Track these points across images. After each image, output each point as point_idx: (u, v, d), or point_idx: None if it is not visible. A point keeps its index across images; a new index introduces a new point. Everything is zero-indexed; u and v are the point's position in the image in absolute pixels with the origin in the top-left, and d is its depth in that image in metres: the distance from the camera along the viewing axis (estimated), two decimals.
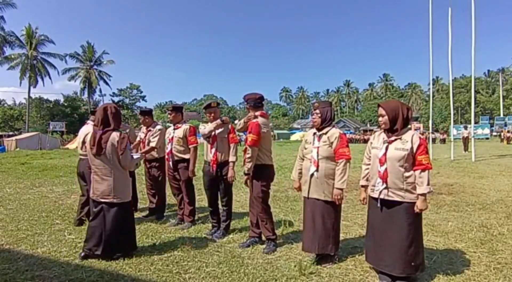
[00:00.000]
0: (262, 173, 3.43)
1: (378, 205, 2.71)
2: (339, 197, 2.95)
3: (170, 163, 4.33)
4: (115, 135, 3.09)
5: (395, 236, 2.64)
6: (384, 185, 2.64)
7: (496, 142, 32.06)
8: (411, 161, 2.60)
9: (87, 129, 4.05)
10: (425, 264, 2.79)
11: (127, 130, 4.74)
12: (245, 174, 3.43)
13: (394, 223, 2.65)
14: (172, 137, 4.34)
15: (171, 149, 4.32)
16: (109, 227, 3.12)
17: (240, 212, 4.86)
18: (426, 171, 2.56)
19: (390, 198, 2.65)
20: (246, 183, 3.57)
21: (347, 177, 2.95)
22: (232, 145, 3.82)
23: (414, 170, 2.59)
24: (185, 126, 4.35)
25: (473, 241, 3.64)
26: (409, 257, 2.60)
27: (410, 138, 2.61)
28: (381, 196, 2.67)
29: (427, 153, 2.61)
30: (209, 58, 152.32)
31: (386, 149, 2.66)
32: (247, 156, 3.35)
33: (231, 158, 3.78)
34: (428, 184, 2.55)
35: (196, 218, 4.49)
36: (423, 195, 2.56)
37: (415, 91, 74.29)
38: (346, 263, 3.05)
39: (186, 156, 4.30)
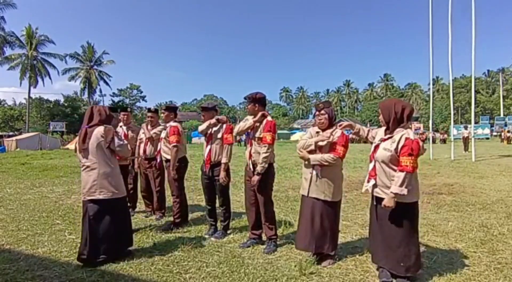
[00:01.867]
0: (270, 172, 3.44)
1: (374, 202, 2.77)
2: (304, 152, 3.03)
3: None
4: (99, 129, 3.09)
5: (385, 233, 2.69)
6: (373, 181, 2.70)
7: (496, 142, 32.04)
8: (397, 161, 2.57)
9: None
10: (425, 264, 2.82)
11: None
12: (258, 174, 3.33)
13: (384, 220, 2.69)
14: (161, 138, 4.43)
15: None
16: (95, 228, 3.03)
17: (240, 212, 4.86)
18: (404, 172, 2.49)
19: (379, 195, 2.69)
20: (256, 183, 3.35)
21: (320, 159, 2.96)
22: (225, 146, 3.75)
23: (398, 170, 2.55)
24: (169, 126, 4.35)
25: (473, 241, 3.64)
26: (397, 256, 2.63)
27: (398, 138, 2.59)
28: (373, 193, 2.75)
29: (410, 155, 2.49)
30: (209, 58, 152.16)
31: (376, 146, 2.71)
32: (265, 155, 3.29)
33: (223, 159, 3.72)
34: (401, 186, 2.48)
35: (190, 217, 4.61)
36: (393, 193, 2.53)
37: (415, 91, 74.19)
38: (347, 263, 3.05)
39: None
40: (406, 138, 2.55)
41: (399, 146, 2.55)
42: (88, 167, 3.07)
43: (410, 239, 2.65)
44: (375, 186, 2.71)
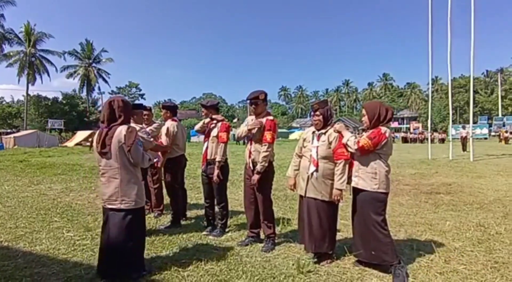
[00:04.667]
0: (270, 171, 3.45)
1: (351, 193, 3.02)
2: (338, 197, 2.97)
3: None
4: (121, 129, 2.66)
5: (360, 222, 2.95)
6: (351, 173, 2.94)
7: (494, 142, 32.15)
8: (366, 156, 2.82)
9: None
10: (422, 263, 2.82)
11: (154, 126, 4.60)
12: (258, 173, 3.32)
13: (356, 209, 2.97)
14: (159, 136, 4.44)
15: None
16: (113, 240, 2.67)
17: (239, 210, 4.87)
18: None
19: (355, 186, 2.93)
20: (256, 183, 3.35)
21: (346, 177, 2.96)
22: (219, 144, 3.75)
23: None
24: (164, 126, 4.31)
25: (471, 240, 3.65)
26: (365, 241, 2.83)
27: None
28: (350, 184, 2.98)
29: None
30: (208, 57, 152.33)
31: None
32: (265, 154, 3.29)
33: (217, 157, 3.73)
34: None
35: (188, 215, 4.66)
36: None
37: (414, 91, 74.21)
38: (344, 262, 3.06)
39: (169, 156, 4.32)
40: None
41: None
42: (108, 172, 2.70)
43: (373, 228, 2.78)
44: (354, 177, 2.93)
